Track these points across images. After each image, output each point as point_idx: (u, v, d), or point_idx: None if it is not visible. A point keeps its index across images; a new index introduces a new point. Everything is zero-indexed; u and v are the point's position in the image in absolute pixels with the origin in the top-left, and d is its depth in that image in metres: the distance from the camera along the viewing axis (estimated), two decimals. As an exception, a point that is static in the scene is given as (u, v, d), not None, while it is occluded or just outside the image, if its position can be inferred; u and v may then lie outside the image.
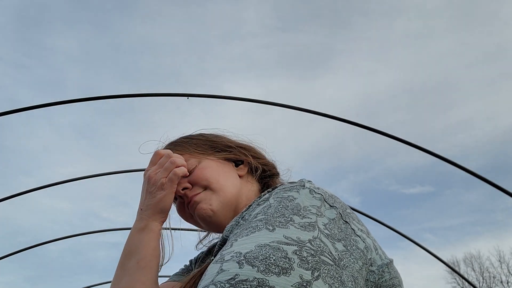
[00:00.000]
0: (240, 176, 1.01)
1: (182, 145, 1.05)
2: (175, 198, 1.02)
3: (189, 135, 1.09)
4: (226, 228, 0.79)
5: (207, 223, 0.96)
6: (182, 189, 0.96)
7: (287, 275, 0.55)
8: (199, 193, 0.95)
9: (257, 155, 1.06)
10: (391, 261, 0.75)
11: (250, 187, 1.02)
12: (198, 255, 1.09)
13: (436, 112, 25.91)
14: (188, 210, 0.98)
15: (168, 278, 1.07)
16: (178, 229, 1.11)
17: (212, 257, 0.79)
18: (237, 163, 1.04)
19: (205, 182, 0.96)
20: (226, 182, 0.97)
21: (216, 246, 0.78)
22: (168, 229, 1.04)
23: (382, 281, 0.71)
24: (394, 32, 19.78)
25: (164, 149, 1.06)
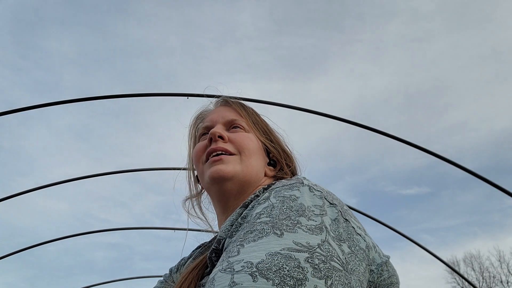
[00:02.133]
0: (265, 174, 0.98)
1: (247, 111, 1.04)
2: (202, 135, 1.02)
3: (256, 111, 1.08)
4: (221, 229, 0.76)
5: (214, 182, 0.91)
6: (218, 136, 0.94)
7: (303, 287, 0.54)
8: (230, 151, 0.93)
9: (295, 171, 1.04)
10: (388, 258, 0.74)
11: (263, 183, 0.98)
12: (180, 261, 1.05)
13: (431, 114, 26.04)
14: (204, 157, 0.96)
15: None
16: (179, 229, 1.09)
17: (208, 256, 0.76)
18: (271, 161, 1.02)
19: (241, 148, 0.94)
20: (255, 166, 0.95)
21: (212, 246, 0.75)
22: (170, 229, 1.03)
23: (381, 280, 0.70)
24: (388, 35, 19.82)
25: (232, 100, 1.07)
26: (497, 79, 24.99)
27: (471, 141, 28.63)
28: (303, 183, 0.75)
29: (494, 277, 24.20)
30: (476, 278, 24.29)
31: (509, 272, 24.05)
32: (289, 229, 0.62)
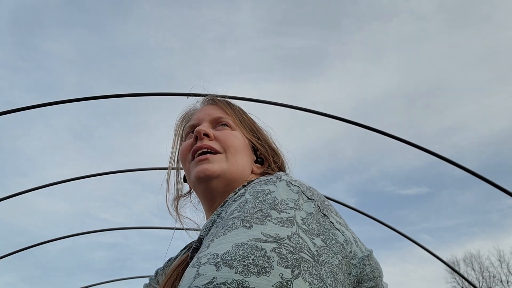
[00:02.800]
0: (252, 171, 0.98)
1: (233, 109, 1.04)
2: (188, 134, 1.02)
3: (243, 109, 1.08)
4: (202, 228, 0.76)
5: (200, 181, 0.91)
6: (204, 134, 0.94)
7: (267, 275, 0.53)
8: (215, 149, 0.93)
9: (282, 168, 1.04)
10: (371, 252, 0.73)
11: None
12: (166, 263, 1.05)
13: (430, 114, 25.99)
14: (190, 155, 0.95)
15: None
16: (179, 229, 1.08)
17: (190, 255, 0.77)
18: (258, 159, 1.02)
19: (226, 146, 0.94)
20: (241, 163, 0.94)
21: (193, 245, 0.75)
22: (170, 229, 1.03)
23: (364, 274, 0.69)
24: (387, 35, 19.86)
25: (219, 98, 1.07)
26: (495, 79, 25.05)
27: (470, 142, 28.62)
28: (280, 178, 0.74)
29: (494, 277, 24.20)
30: (476, 278, 24.28)
31: (509, 272, 24.05)
32: (259, 221, 0.62)
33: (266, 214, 0.63)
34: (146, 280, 1.06)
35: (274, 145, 1.05)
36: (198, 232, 1.05)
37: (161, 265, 1.06)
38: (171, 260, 1.04)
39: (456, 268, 21.62)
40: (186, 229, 1.08)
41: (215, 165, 0.90)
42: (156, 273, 1.04)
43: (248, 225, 0.61)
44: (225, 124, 0.99)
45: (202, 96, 1.13)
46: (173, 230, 1.08)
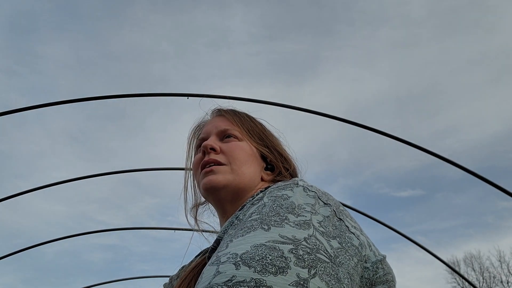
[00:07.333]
0: (262, 179, 1.00)
1: (241, 119, 1.07)
2: (198, 147, 1.06)
3: (253, 117, 1.11)
4: (220, 230, 0.78)
5: (208, 192, 0.95)
6: (210, 148, 0.97)
7: (284, 274, 0.55)
8: (220, 162, 0.96)
9: (294, 173, 1.05)
10: (384, 257, 0.76)
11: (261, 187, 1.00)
12: (180, 270, 1.05)
13: (423, 118, 25.98)
14: (200, 169, 0.98)
15: None
16: (179, 229, 1.06)
17: (207, 256, 0.78)
18: (268, 166, 1.03)
19: (231, 158, 0.96)
20: (248, 173, 0.96)
21: (211, 246, 0.77)
22: (170, 229, 1.01)
23: (376, 278, 0.72)
24: (378, 40, 19.79)
25: (226, 109, 1.10)
26: (487, 83, 25.20)
27: (463, 145, 28.49)
28: (297, 184, 0.77)
29: (494, 277, 24.23)
30: (476, 278, 24.31)
31: (509, 272, 24.07)
32: (277, 224, 0.65)
33: (284, 217, 0.66)
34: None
35: (284, 151, 1.07)
36: (206, 234, 1.08)
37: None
38: (185, 267, 1.05)
39: (456, 269, 21.63)
40: (186, 230, 1.07)
41: (220, 176, 0.94)
42: (171, 279, 1.06)
43: (266, 227, 0.64)
44: (231, 136, 1.02)
45: (200, 96, 1.12)
46: (172, 231, 1.07)
